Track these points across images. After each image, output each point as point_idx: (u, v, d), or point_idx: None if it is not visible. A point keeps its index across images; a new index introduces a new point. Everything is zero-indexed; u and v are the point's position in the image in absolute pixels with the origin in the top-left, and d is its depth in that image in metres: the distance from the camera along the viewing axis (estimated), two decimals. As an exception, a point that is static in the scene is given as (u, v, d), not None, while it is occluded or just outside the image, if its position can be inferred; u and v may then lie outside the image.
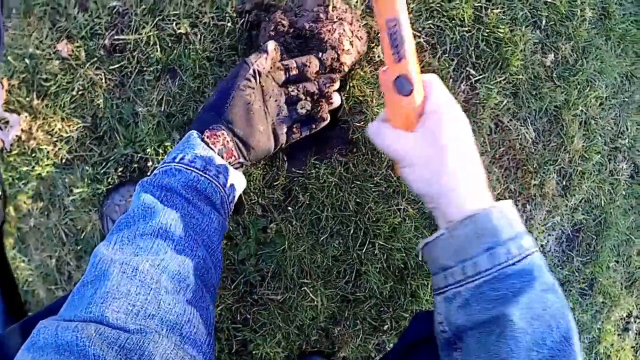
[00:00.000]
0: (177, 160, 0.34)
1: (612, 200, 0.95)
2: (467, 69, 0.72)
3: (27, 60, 0.69)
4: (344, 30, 0.57)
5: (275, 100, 0.45)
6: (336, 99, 0.51)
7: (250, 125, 0.40)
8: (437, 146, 0.31)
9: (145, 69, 0.65)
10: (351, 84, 0.64)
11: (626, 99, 0.93)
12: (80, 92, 0.67)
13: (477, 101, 0.73)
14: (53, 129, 0.69)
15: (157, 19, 0.64)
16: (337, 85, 0.50)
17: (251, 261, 0.67)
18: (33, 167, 0.71)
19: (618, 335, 1.10)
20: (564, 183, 0.87)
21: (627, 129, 0.95)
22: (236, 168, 0.40)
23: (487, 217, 0.28)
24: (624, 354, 1.11)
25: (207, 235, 0.31)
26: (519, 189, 0.81)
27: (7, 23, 0.70)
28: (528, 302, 0.26)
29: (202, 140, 0.37)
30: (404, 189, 0.68)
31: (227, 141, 0.38)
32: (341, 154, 0.65)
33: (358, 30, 0.61)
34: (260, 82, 0.42)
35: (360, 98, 0.65)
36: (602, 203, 0.93)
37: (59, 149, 0.70)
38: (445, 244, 0.30)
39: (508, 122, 0.77)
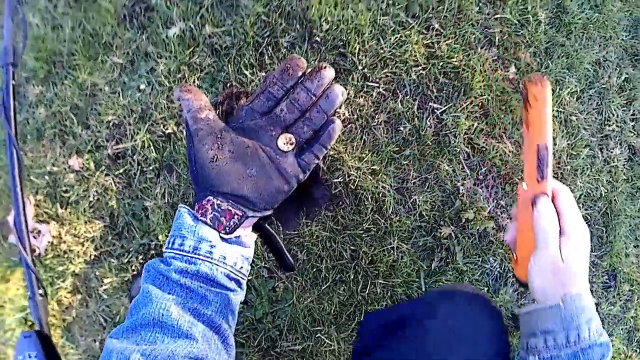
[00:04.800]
0: (169, 246, 0.36)
1: (614, 188, 1.00)
2: (430, 104, 0.81)
3: (46, 177, 0.84)
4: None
5: (266, 132, 0.40)
6: (339, 93, 0.42)
7: (234, 176, 0.38)
8: (564, 261, 0.39)
9: (145, 168, 0.78)
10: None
11: (604, 85, 0.99)
12: (96, 197, 0.81)
13: (448, 131, 0.82)
14: (79, 232, 0.84)
15: (147, 125, 0.78)
16: (332, 73, 0.42)
17: (268, 319, 0.78)
18: (67, 266, 0.85)
19: (656, 319, 1.11)
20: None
21: (613, 114, 1.00)
22: (241, 223, 0.39)
23: (582, 299, 0.39)
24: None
25: (206, 316, 0.35)
26: (510, 203, 0.88)
27: (25, 148, 0.86)
28: None
29: (193, 215, 0.38)
30: (393, 229, 0.77)
31: (218, 204, 0.37)
32: (328, 209, 0.75)
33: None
34: (210, 129, 0.38)
35: (335, 156, 0.75)
36: (603, 193, 0.98)
37: (87, 247, 0.84)
38: (552, 313, 0.39)
39: (484, 142, 0.85)
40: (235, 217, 0.38)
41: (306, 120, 0.41)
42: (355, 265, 0.76)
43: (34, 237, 0.87)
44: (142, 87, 0.80)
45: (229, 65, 0.77)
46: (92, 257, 0.84)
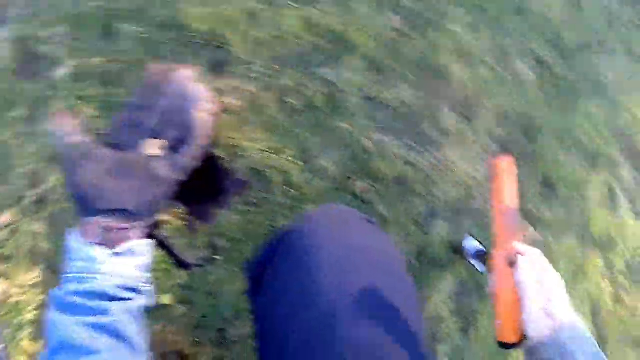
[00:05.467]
0: (63, 270, 0.39)
1: (528, 101, 1.03)
2: (316, 70, 0.84)
3: (-18, 240, 0.88)
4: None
5: (136, 142, 0.41)
6: (198, 91, 0.42)
7: (113, 192, 0.40)
8: (551, 300, 0.43)
9: (65, 205, 0.82)
10: (216, 135, 0.78)
11: (494, 14, 1.02)
12: (29, 245, 0.85)
13: (340, 91, 0.85)
14: (22, 282, 0.87)
15: (59, 165, 0.81)
16: (188, 73, 0.42)
17: (211, 312, 0.81)
18: (22, 316, 0.89)
19: (609, 210, 1.13)
20: (465, 114, 0.96)
21: (510, 33, 1.03)
22: (129, 236, 0.41)
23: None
24: (620, 226, 1.12)
25: (106, 327, 0.37)
26: (421, 142, 0.91)
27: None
28: None
29: (81, 237, 0.40)
30: (307, 196, 0.80)
31: (104, 222, 0.39)
32: (238, 194, 0.79)
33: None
34: (83, 152, 0.40)
35: (235, 144, 0.79)
36: (519, 110, 1.01)
37: (33, 294, 0.87)
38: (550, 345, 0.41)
39: (380, 92, 0.88)
40: (123, 231, 0.41)
41: (171, 122, 0.43)
42: (279, 239, 0.79)
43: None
44: (47, 130, 0.84)
45: (120, 89, 0.81)
46: (41, 301, 0.87)
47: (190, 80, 0.45)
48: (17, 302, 0.87)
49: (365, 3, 0.91)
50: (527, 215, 1.02)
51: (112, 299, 0.39)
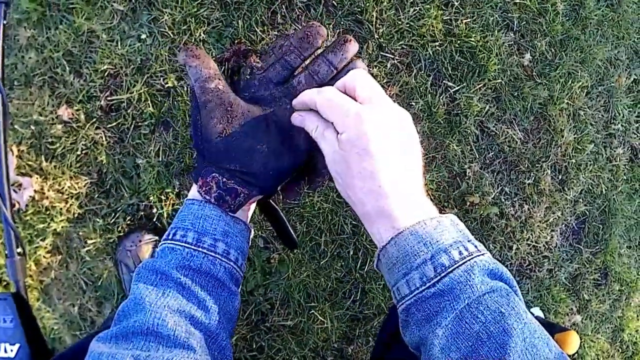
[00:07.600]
0: (170, 237, 0.34)
1: (614, 187, 0.97)
2: (445, 82, 0.76)
3: (32, 127, 0.76)
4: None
5: (281, 105, 0.37)
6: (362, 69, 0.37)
7: (243, 152, 0.35)
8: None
9: (140, 123, 0.71)
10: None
11: (613, 84, 0.96)
12: (84, 151, 0.74)
13: (459, 111, 0.77)
14: (63, 187, 0.76)
15: (145, 77, 0.71)
16: (356, 47, 0.37)
17: (259, 291, 0.72)
18: (48, 223, 0.78)
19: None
20: (560, 177, 0.90)
21: (619, 113, 0.98)
22: (246, 202, 0.36)
23: (398, 244, 0.29)
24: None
25: (204, 325, 0.32)
26: (514, 190, 0.85)
27: (11, 94, 0.78)
28: (453, 318, 0.26)
29: (199, 192, 0.35)
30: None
31: (224, 182, 0.35)
32: (332, 179, 0.70)
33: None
34: (220, 101, 0.35)
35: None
36: (604, 191, 0.95)
37: (70, 205, 0.76)
38: (380, 268, 0.32)
39: (494, 126, 0.81)
40: (242, 195, 0.36)
41: None
42: (355, 241, 0.71)
43: (15, 191, 0.79)
44: (143, 36, 0.73)
45: (239, 21, 0.70)
46: (76, 215, 0.76)
47: (356, 57, 0.38)
48: (49, 207, 0.76)
49: (504, 32, 0.82)
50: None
51: (219, 286, 0.34)
